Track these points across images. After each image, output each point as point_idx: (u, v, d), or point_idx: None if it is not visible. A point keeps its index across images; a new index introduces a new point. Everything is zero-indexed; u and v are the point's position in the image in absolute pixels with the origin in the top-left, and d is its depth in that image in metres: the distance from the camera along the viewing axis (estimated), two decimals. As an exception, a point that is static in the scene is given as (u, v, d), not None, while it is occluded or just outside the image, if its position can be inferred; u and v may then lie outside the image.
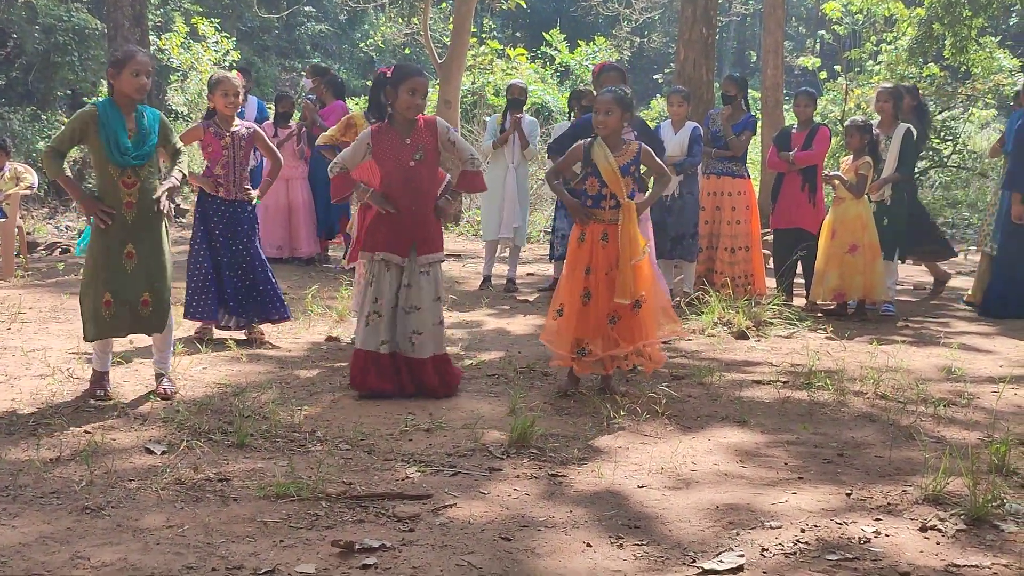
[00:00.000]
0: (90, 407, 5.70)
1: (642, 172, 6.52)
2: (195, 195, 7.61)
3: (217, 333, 7.65)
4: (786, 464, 5.03)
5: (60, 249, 13.94)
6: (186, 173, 6.31)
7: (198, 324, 7.66)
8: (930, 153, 20.74)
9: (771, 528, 4.12)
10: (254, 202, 7.56)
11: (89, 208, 5.77)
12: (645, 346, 6.24)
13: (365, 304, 6.23)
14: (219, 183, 7.38)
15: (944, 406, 6.14)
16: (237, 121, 7.49)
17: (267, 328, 7.80)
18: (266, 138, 7.71)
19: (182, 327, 7.82)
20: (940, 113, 20.86)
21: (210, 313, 7.46)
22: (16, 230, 11.47)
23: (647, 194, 6.79)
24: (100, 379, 5.99)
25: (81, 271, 6.05)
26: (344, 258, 8.59)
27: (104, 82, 6.30)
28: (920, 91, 11.04)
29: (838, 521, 4.19)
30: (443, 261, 6.46)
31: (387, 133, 6.18)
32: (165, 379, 6.05)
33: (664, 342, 7.21)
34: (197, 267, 7.45)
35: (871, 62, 22.42)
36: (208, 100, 7.60)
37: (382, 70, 6.27)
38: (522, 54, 24.85)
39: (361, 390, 6.17)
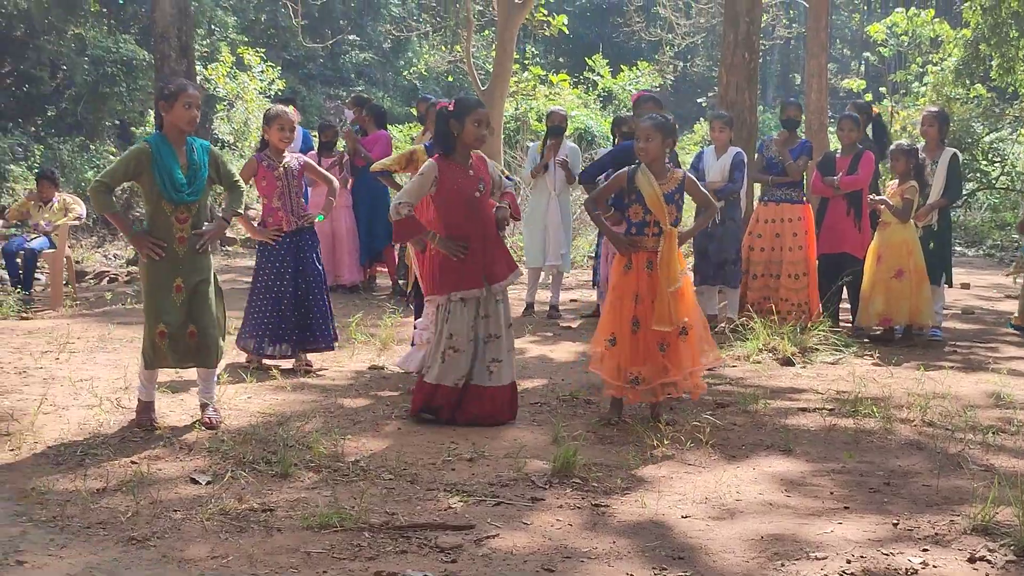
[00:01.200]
0: (136, 437, 5.75)
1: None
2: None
3: (264, 362, 7.70)
4: (832, 493, 4.98)
5: (108, 278, 14.10)
6: (241, 212, 6.39)
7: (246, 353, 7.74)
8: (978, 175, 20.56)
9: (816, 559, 4.08)
10: (318, 219, 7.73)
11: (139, 244, 5.83)
12: (692, 373, 6.23)
13: (440, 341, 6.21)
14: (278, 220, 7.53)
15: (993, 433, 6.06)
16: (287, 153, 7.60)
17: (312, 356, 7.85)
18: (316, 166, 7.89)
19: (228, 355, 7.89)
20: (988, 135, 20.67)
21: (259, 348, 7.55)
22: (65, 260, 11.61)
23: (692, 224, 6.76)
24: (146, 409, 6.05)
25: (131, 300, 6.12)
26: (406, 286, 8.62)
27: (152, 112, 6.38)
28: (874, 108, 10.84)
29: (885, 552, 4.15)
30: (519, 277, 6.47)
31: (451, 165, 6.22)
32: (210, 408, 6.10)
33: (708, 369, 7.19)
34: (257, 301, 7.61)
35: (917, 84, 22.28)
36: (263, 132, 7.70)
37: (442, 104, 6.30)
38: (565, 80, 24.91)
39: (429, 412, 6.23)
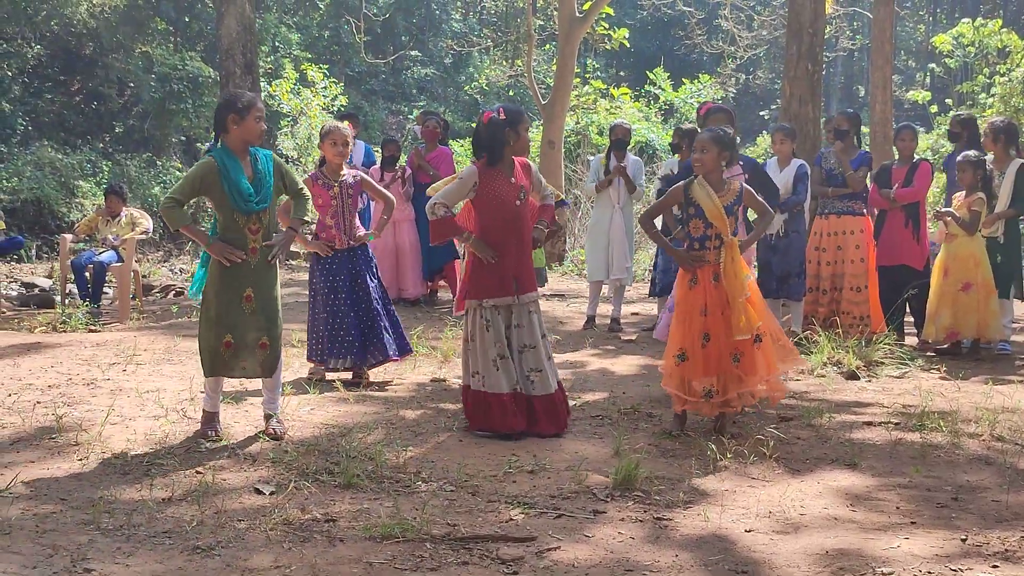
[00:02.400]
0: (201, 448, 5.81)
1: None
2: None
3: (327, 375, 7.76)
4: (898, 508, 4.92)
5: (174, 292, 14.29)
6: (306, 220, 6.45)
7: (310, 365, 7.80)
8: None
9: (883, 574, 4.03)
10: (369, 239, 7.73)
11: (219, 251, 5.88)
12: (768, 379, 6.19)
13: (488, 349, 6.22)
14: (331, 238, 7.58)
15: (1064, 449, 5.95)
16: (345, 169, 7.64)
17: (378, 368, 7.88)
18: (373, 182, 7.89)
19: (291, 368, 7.96)
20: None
21: (322, 358, 7.61)
22: (132, 273, 11.78)
23: (751, 232, 6.74)
24: (211, 419, 6.11)
25: (196, 312, 6.18)
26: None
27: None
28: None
29: (953, 568, 4.08)
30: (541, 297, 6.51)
31: (494, 173, 6.25)
32: (275, 420, 6.15)
33: (792, 376, 7.16)
34: (316, 316, 7.67)
35: (983, 95, 21.95)
36: (319, 148, 7.77)
37: (489, 114, 6.31)
38: (626, 93, 24.87)
39: (486, 430, 6.22)
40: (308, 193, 6.44)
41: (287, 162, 22.35)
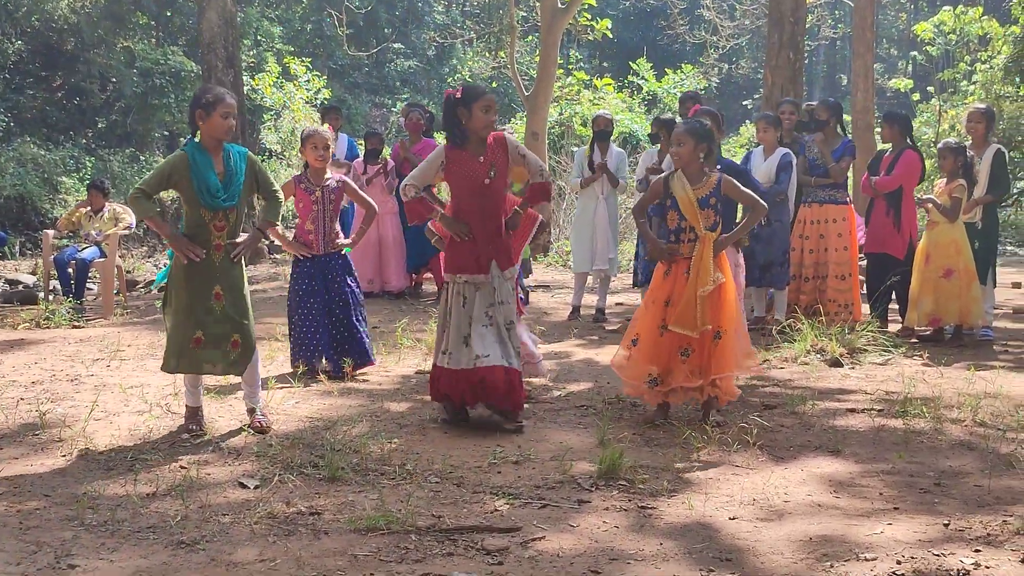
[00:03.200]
0: (186, 442, 5.81)
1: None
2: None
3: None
4: (881, 494, 4.94)
5: (158, 288, 14.24)
6: (276, 224, 6.44)
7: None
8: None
9: (866, 560, 4.05)
10: (345, 251, 7.70)
11: (180, 246, 5.86)
12: (719, 379, 6.18)
13: (460, 325, 6.21)
14: (309, 243, 7.58)
15: (1046, 433, 5.98)
16: (329, 173, 7.62)
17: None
18: (356, 188, 7.85)
19: (275, 361, 7.96)
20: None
21: (307, 358, 7.62)
22: (115, 269, 11.75)
23: (739, 225, 6.73)
24: (193, 414, 6.11)
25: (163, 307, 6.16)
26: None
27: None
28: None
29: (936, 553, 4.10)
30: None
31: (461, 152, 6.26)
32: (258, 412, 6.14)
33: (753, 377, 7.18)
34: (293, 316, 7.67)
35: (965, 82, 22.00)
36: (300, 153, 7.73)
37: (449, 92, 6.34)
38: (609, 84, 24.86)
39: (441, 400, 6.33)
40: (282, 196, 6.39)
41: (270, 156, 22.25)
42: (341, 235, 7.75)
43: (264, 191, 6.22)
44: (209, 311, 5.90)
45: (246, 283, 6.13)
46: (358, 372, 7.70)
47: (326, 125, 7.86)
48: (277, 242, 7.72)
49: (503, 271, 6.28)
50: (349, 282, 7.70)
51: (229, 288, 5.96)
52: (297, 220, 7.76)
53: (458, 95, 6.24)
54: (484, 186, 6.23)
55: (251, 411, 6.17)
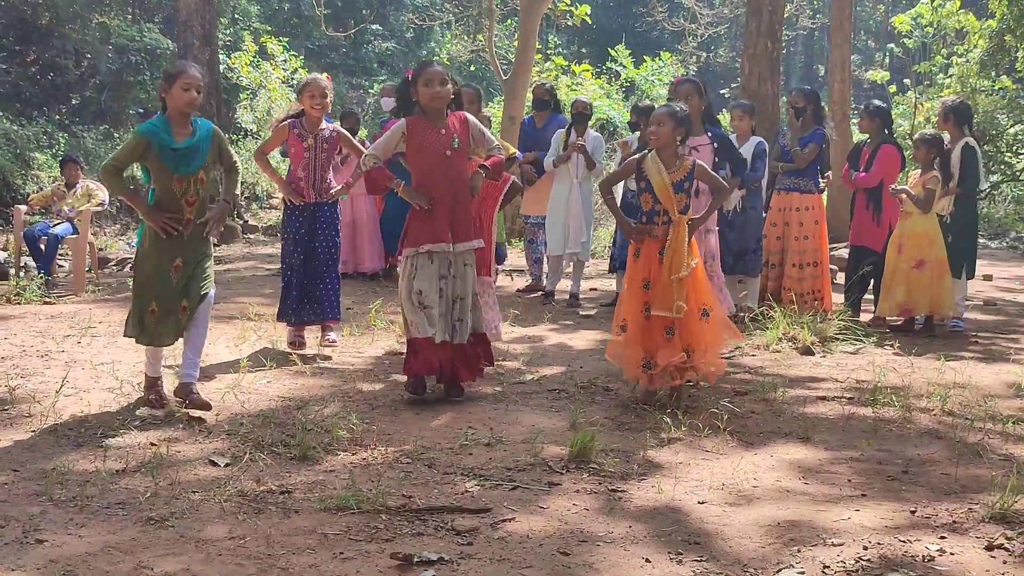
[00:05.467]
0: (156, 419, 5.78)
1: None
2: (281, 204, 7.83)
3: (283, 348, 7.74)
4: (849, 481, 4.97)
5: (131, 265, 14.16)
6: (236, 194, 6.46)
7: (268, 339, 7.83)
8: (1002, 167, 20.41)
9: (833, 545, 4.08)
10: (337, 197, 7.80)
11: (155, 219, 5.87)
12: (708, 354, 6.25)
13: (413, 296, 6.32)
14: (300, 190, 7.63)
15: (1013, 423, 6.03)
16: (324, 123, 7.65)
17: (329, 347, 7.87)
18: (350, 137, 7.96)
19: (248, 342, 7.94)
20: (1013, 126, 20.52)
21: (287, 315, 7.73)
22: (87, 246, 11.68)
23: (706, 209, 6.77)
24: (152, 384, 6.11)
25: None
26: None
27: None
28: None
29: (902, 539, 4.14)
30: (480, 247, 6.65)
31: (422, 123, 6.37)
32: (193, 389, 5.99)
33: (727, 356, 7.23)
34: (284, 272, 7.80)
35: (941, 75, 22.11)
36: (297, 102, 7.79)
37: (409, 72, 6.49)
38: (587, 70, 24.88)
39: (412, 375, 6.37)
40: (240, 169, 6.44)
41: (245, 136, 22.13)
42: (335, 184, 7.78)
43: (225, 162, 6.27)
44: (166, 283, 5.92)
45: (210, 259, 6.15)
46: (326, 343, 7.72)
47: (325, 75, 7.94)
48: (274, 182, 7.83)
49: (459, 242, 6.36)
50: (332, 235, 7.78)
51: (189, 261, 5.97)
52: (290, 166, 7.77)
53: (408, 74, 6.49)
54: (446, 157, 6.35)
55: (185, 386, 6.00)
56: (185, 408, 5.94)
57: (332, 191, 7.73)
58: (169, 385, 6.19)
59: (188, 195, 5.92)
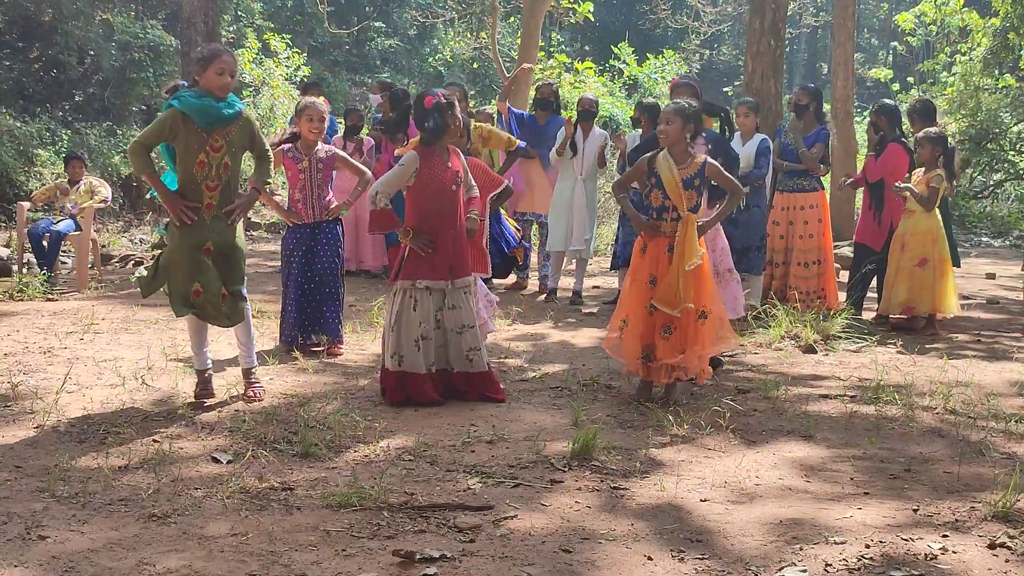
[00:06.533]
0: (159, 416, 5.79)
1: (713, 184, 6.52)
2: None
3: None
4: (852, 479, 4.97)
5: (133, 262, 14.16)
6: (269, 182, 6.40)
7: (276, 336, 7.87)
8: (1005, 166, 20.38)
9: (835, 543, 4.08)
10: (339, 213, 7.74)
11: (173, 205, 5.84)
12: (700, 356, 6.25)
13: (412, 330, 6.25)
14: (298, 211, 7.61)
15: (1015, 421, 6.03)
16: (319, 145, 7.63)
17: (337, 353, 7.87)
18: (347, 157, 7.94)
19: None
20: (1016, 125, 20.50)
21: (287, 339, 7.69)
22: (90, 243, 11.68)
23: (716, 211, 6.74)
24: (202, 379, 6.18)
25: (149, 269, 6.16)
26: None
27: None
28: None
29: (904, 537, 4.14)
30: (473, 283, 6.61)
31: (433, 157, 6.32)
32: (253, 378, 6.25)
33: (728, 356, 7.23)
34: (284, 294, 7.77)
35: (945, 73, 22.10)
36: (294, 124, 7.76)
37: (431, 99, 6.34)
38: (590, 67, 24.83)
39: (399, 402, 6.25)
40: (271, 156, 6.36)
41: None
42: (335, 202, 7.76)
43: (256, 149, 6.18)
44: (204, 264, 5.88)
45: (241, 239, 6.13)
46: (330, 349, 7.70)
47: (320, 98, 7.89)
48: (272, 210, 7.81)
49: (457, 279, 6.35)
50: (331, 256, 7.72)
51: (221, 243, 5.94)
52: (288, 189, 7.78)
53: (443, 100, 6.34)
54: (451, 192, 6.34)
55: (247, 372, 6.25)
56: (243, 396, 6.17)
57: (332, 207, 7.69)
58: (187, 383, 6.19)
59: (209, 179, 5.87)
